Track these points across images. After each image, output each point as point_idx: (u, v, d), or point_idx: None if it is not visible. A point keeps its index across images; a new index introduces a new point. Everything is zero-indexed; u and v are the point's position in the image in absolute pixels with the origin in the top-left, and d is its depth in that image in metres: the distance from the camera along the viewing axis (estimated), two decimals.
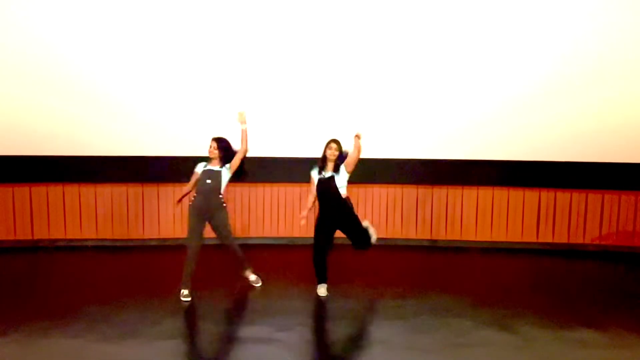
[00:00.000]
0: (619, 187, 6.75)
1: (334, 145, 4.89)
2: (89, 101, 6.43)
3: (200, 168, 5.01)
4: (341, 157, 4.90)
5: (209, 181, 4.90)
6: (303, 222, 5.00)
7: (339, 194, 4.90)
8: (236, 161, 4.97)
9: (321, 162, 4.94)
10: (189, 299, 4.85)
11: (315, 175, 4.99)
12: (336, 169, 4.91)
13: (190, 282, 4.93)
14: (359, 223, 5.07)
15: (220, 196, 4.98)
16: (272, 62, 6.53)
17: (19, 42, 6.26)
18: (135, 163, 6.64)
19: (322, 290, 5.07)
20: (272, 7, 6.40)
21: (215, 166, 4.95)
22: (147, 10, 6.34)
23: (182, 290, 4.90)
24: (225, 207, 5.03)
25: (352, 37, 6.50)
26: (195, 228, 4.97)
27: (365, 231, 5.14)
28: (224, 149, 4.94)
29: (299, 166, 6.53)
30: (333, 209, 4.95)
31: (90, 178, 6.67)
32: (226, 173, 4.96)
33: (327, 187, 4.91)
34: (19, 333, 4.10)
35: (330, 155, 4.88)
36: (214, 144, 4.93)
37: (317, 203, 5.08)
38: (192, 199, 5.01)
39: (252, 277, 5.36)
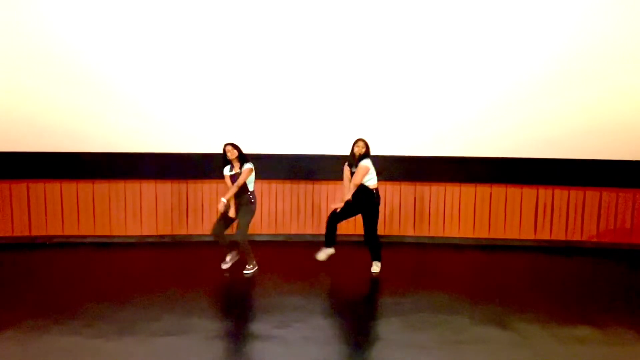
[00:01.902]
0: (616, 185, 6.77)
1: (361, 143, 5.50)
2: (88, 97, 6.42)
3: (227, 171, 5.54)
4: (367, 152, 5.51)
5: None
6: (334, 206, 5.61)
7: (364, 185, 5.48)
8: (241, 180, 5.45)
9: (351, 158, 5.56)
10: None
11: (346, 168, 5.65)
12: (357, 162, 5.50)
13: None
14: (375, 219, 5.56)
15: (248, 193, 5.52)
16: (271, 62, 6.52)
17: (19, 35, 6.24)
18: (133, 159, 6.63)
19: (321, 254, 5.75)
20: (273, 9, 6.39)
21: (238, 169, 5.47)
22: (155, 11, 6.33)
23: (248, 265, 5.58)
24: (253, 203, 5.55)
25: (347, 39, 6.49)
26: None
27: (375, 230, 5.59)
28: (239, 151, 5.47)
29: (297, 163, 6.55)
30: (358, 196, 5.51)
31: (88, 174, 6.66)
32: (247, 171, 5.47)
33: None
34: (16, 330, 4.09)
35: (357, 151, 5.48)
36: (230, 147, 5.42)
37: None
38: (253, 199, 5.55)
39: (248, 267, 5.68)
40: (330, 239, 5.72)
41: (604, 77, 6.50)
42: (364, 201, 5.52)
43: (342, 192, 5.80)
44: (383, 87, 6.61)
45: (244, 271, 5.58)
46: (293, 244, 6.62)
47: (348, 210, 5.60)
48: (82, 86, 6.40)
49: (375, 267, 5.70)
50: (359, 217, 5.72)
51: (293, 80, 6.58)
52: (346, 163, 5.68)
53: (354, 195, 5.51)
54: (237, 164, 5.46)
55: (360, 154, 5.48)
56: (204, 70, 6.49)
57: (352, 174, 5.56)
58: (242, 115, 6.59)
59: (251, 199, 5.53)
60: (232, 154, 5.41)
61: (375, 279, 5.45)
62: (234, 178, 5.46)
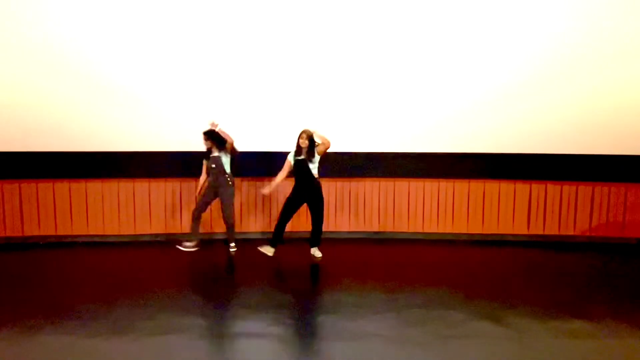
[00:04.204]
0: (608, 179, 6.80)
1: (304, 135, 5.83)
2: (82, 96, 6.37)
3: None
4: (312, 144, 5.83)
5: (213, 165, 6.05)
6: (265, 192, 6.16)
7: (311, 174, 5.87)
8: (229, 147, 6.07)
9: (297, 148, 5.91)
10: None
11: (291, 157, 5.99)
12: (309, 154, 5.84)
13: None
14: (322, 204, 6.00)
15: (226, 175, 6.07)
16: (265, 61, 6.52)
17: (13, 32, 6.19)
18: (126, 158, 6.61)
19: (270, 250, 6.09)
20: (265, 9, 6.39)
21: (214, 153, 6.09)
22: (153, 9, 6.30)
23: (231, 244, 6.29)
24: (231, 185, 6.15)
25: (334, 36, 6.49)
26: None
27: (321, 214, 6.03)
28: (212, 138, 6.02)
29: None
30: (305, 186, 5.91)
31: (81, 174, 6.63)
32: (224, 156, 6.09)
33: (301, 168, 5.89)
34: (10, 330, 4.07)
35: (302, 143, 5.83)
36: (204, 137, 6.05)
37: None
38: (231, 181, 6.18)
39: (232, 244, 6.33)
40: (278, 239, 6.12)
41: (596, 72, 6.51)
42: (317, 191, 5.93)
43: (275, 182, 6.08)
44: (374, 84, 6.61)
45: (230, 247, 6.28)
46: (287, 242, 6.59)
47: (298, 204, 6.04)
48: (74, 85, 6.35)
49: (319, 252, 6.09)
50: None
51: (288, 78, 6.57)
52: (291, 153, 6.01)
53: (306, 186, 5.91)
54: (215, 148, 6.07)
55: (305, 145, 5.84)
56: (199, 69, 6.47)
57: (298, 162, 5.88)
58: (238, 114, 6.57)
59: (229, 180, 6.09)
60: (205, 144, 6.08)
61: (371, 276, 5.46)
62: (215, 160, 6.06)
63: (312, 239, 6.13)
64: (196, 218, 6.20)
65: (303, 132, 5.86)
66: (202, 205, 6.22)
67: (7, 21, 6.17)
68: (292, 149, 5.98)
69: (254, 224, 6.98)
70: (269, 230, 6.91)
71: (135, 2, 6.29)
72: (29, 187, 6.61)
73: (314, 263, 5.90)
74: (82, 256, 6.19)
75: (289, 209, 6.05)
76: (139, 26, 6.33)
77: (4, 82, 6.29)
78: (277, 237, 6.09)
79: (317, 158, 5.88)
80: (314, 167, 5.88)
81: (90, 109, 6.43)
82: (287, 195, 6.08)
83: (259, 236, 6.91)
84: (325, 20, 6.46)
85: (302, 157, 5.87)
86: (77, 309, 4.48)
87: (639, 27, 6.39)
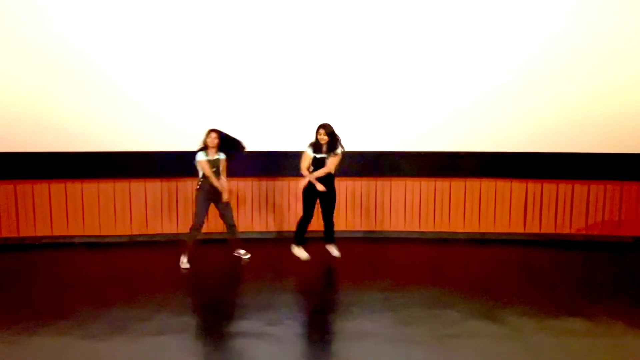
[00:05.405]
0: (604, 178, 6.82)
1: (322, 130, 5.53)
2: (77, 96, 6.35)
3: (203, 156, 5.62)
4: (332, 138, 5.54)
5: (214, 169, 5.67)
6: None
7: (331, 173, 5.66)
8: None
9: (315, 145, 5.61)
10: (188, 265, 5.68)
11: (310, 152, 5.64)
12: (331, 149, 5.58)
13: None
14: (334, 200, 5.80)
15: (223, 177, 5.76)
16: (264, 59, 6.51)
17: (12, 32, 6.17)
18: (122, 159, 6.59)
19: (302, 252, 5.86)
20: (267, 7, 6.38)
21: (215, 155, 5.69)
22: (148, 10, 6.29)
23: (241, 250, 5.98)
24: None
25: (336, 34, 6.48)
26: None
27: (333, 209, 5.84)
28: (221, 139, 5.68)
29: (287, 160, 6.53)
30: (324, 182, 5.62)
31: (77, 174, 6.61)
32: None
33: (320, 165, 5.62)
34: (6, 331, 4.06)
35: (322, 140, 5.54)
36: (215, 135, 5.61)
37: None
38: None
39: (242, 251, 6.00)
40: (303, 237, 5.90)
41: (591, 72, 6.53)
42: (333, 187, 5.76)
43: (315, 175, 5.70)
44: (372, 83, 6.61)
45: (242, 256, 5.98)
46: (285, 241, 6.59)
47: (315, 198, 5.76)
48: (71, 85, 6.32)
49: (337, 251, 5.91)
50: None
51: (284, 77, 6.56)
52: (309, 147, 5.68)
53: (325, 182, 5.64)
54: (213, 151, 5.66)
55: (325, 142, 5.58)
56: (199, 70, 6.44)
57: (318, 159, 5.63)
58: (241, 114, 6.55)
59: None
60: (212, 142, 5.62)
61: (368, 275, 5.46)
62: (213, 164, 5.66)
63: (327, 235, 5.91)
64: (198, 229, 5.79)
65: (321, 127, 5.55)
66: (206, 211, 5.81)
67: (6, 21, 6.15)
68: (304, 144, 5.75)
69: (258, 224, 6.96)
70: (267, 229, 6.94)
71: (134, 3, 6.27)
72: (24, 188, 6.58)
73: (311, 263, 5.89)
74: (79, 257, 6.17)
75: (311, 205, 5.76)
76: (136, 26, 6.31)
77: (0, 82, 6.27)
78: (300, 237, 5.88)
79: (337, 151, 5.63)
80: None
81: (87, 110, 6.41)
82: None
83: (258, 236, 6.89)
84: (324, 21, 6.45)
85: (323, 154, 5.59)
86: (73, 309, 4.47)
87: (639, 27, 6.41)
